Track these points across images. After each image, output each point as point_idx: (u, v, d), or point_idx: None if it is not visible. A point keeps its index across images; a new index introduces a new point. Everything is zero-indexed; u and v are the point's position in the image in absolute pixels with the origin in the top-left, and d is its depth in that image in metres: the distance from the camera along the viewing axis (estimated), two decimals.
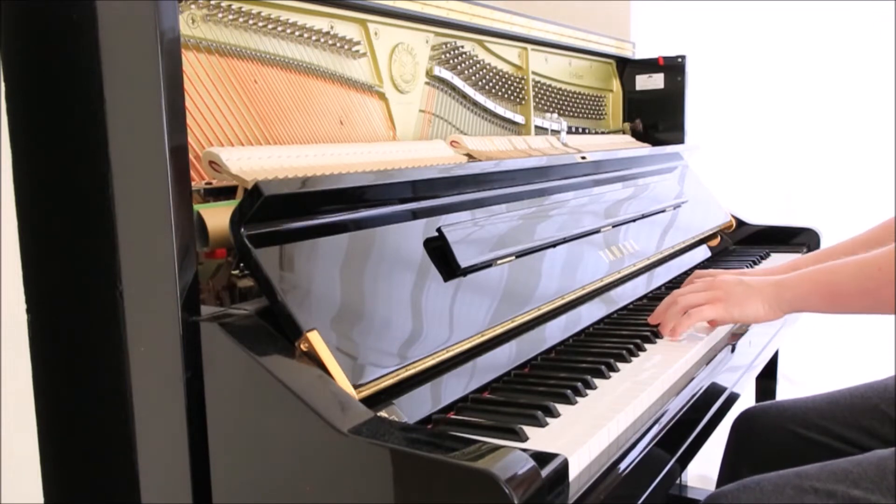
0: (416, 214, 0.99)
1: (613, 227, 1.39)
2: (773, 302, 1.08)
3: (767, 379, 1.91)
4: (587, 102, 1.88)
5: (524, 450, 0.63)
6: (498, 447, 0.63)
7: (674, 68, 1.93)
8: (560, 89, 1.77)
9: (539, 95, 1.69)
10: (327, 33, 1.15)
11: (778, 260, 1.74)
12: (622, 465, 0.79)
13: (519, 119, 1.62)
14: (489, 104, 1.52)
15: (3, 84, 0.82)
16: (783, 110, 2.49)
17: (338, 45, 1.17)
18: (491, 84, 1.53)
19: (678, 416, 0.92)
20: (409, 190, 0.99)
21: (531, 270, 1.12)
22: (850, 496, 0.95)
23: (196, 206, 0.78)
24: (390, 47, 1.26)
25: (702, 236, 1.74)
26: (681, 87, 1.93)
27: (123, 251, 0.77)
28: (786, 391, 1.89)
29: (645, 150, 1.79)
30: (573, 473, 0.73)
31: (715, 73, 2.40)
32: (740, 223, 1.93)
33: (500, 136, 1.46)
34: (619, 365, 1.01)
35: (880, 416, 1.24)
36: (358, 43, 1.20)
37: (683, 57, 1.92)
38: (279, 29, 1.07)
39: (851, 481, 0.96)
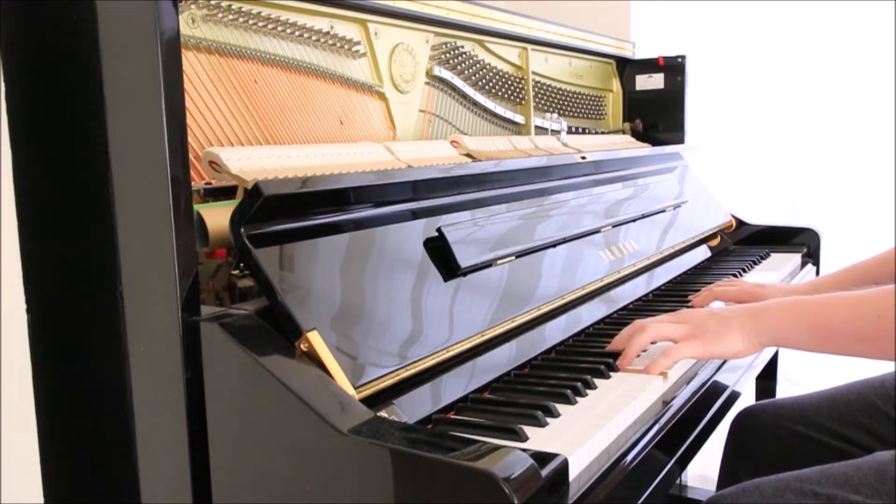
0: (416, 214, 0.99)
1: (613, 227, 1.39)
2: (753, 335, 1.00)
3: (767, 378, 1.90)
4: (587, 102, 1.88)
5: (524, 450, 0.63)
6: (498, 447, 0.63)
7: (674, 68, 1.93)
8: (560, 89, 1.77)
9: (539, 95, 1.69)
10: (327, 33, 1.15)
11: (780, 260, 1.74)
12: (622, 465, 0.79)
13: (519, 119, 1.62)
14: (489, 104, 1.52)
15: (3, 84, 0.82)
16: (783, 110, 2.49)
17: (338, 45, 1.17)
18: (491, 84, 1.53)
19: (678, 415, 0.92)
20: (409, 190, 0.99)
21: (531, 270, 1.12)
22: (850, 501, 0.95)
23: (196, 206, 0.78)
24: (390, 47, 1.26)
25: (702, 236, 1.74)
26: (681, 87, 1.93)
27: (123, 251, 0.77)
28: (785, 391, 1.88)
29: (645, 150, 1.79)
30: (573, 473, 0.73)
31: (715, 73, 2.40)
32: (740, 223, 1.93)
33: (500, 136, 1.46)
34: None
35: (878, 415, 1.24)
36: (358, 43, 1.20)
37: (683, 57, 1.92)
38: (279, 29, 1.07)
39: (851, 486, 0.96)
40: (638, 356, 1.02)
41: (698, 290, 1.35)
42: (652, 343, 1.05)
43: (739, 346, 1.00)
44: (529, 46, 1.63)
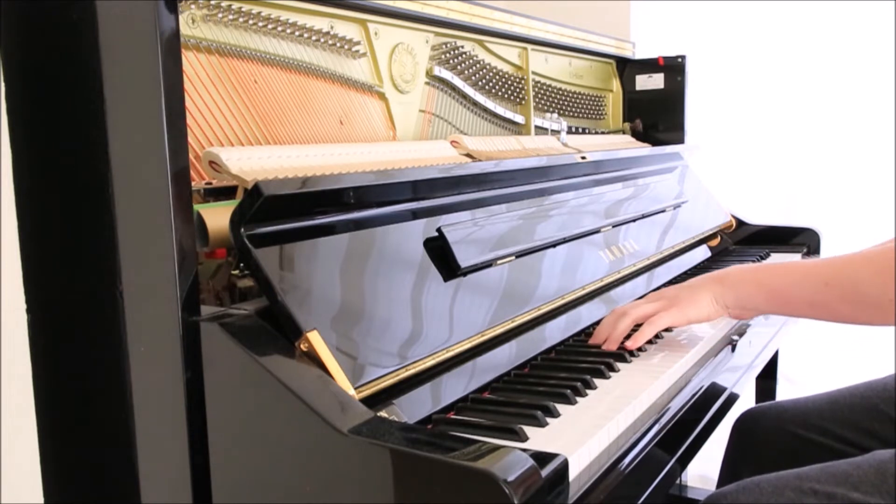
0: (416, 214, 0.99)
1: (613, 227, 1.39)
2: (720, 299, 1.07)
3: (767, 379, 1.90)
4: (587, 102, 1.88)
5: (524, 450, 0.63)
6: (498, 447, 0.63)
7: (674, 68, 1.93)
8: (560, 89, 1.77)
9: (539, 95, 1.69)
10: (327, 33, 1.15)
11: (780, 260, 1.74)
12: (622, 465, 0.79)
13: (519, 119, 1.62)
14: (489, 104, 1.52)
15: (3, 84, 0.82)
16: (783, 110, 2.49)
17: (338, 45, 1.17)
18: (491, 84, 1.53)
19: (678, 416, 0.92)
20: (409, 190, 0.99)
21: (531, 270, 1.12)
22: (850, 499, 0.95)
23: (196, 206, 0.78)
24: (390, 47, 1.26)
25: (702, 236, 1.74)
26: (681, 87, 1.93)
27: (123, 251, 0.77)
28: (786, 391, 1.89)
29: (645, 150, 1.79)
30: (573, 473, 0.73)
31: (715, 73, 2.40)
32: (740, 223, 1.93)
33: (500, 136, 1.46)
34: (619, 365, 1.01)
35: (880, 417, 1.24)
36: (358, 43, 1.20)
37: (683, 57, 1.92)
38: (279, 29, 1.07)
39: (851, 484, 0.96)
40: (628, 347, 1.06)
41: None
42: (636, 326, 1.08)
43: (710, 308, 1.08)
44: (529, 46, 1.63)
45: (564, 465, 0.66)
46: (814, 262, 1.02)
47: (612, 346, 1.06)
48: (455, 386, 0.90)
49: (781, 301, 1.04)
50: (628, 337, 1.07)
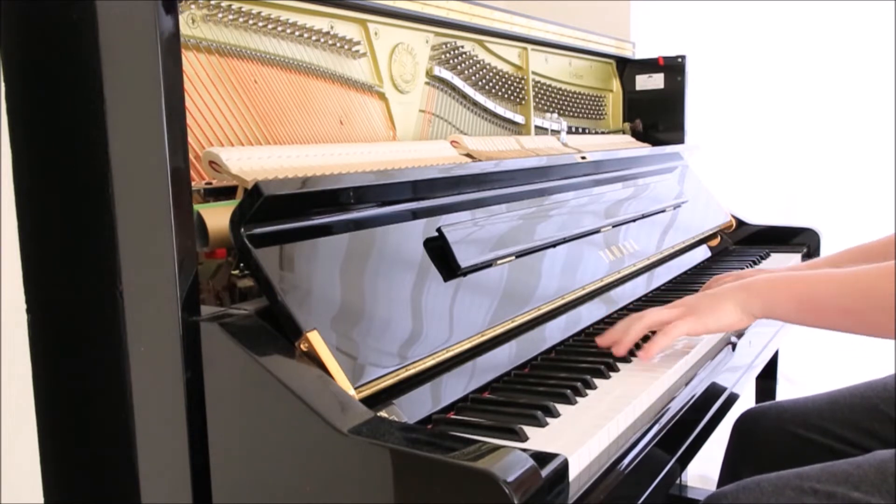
0: (416, 214, 0.99)
1: (613, 227, 1.39)
2: (745, 307, 1.03)
3: (767, 379, 1.91)
4: (587, 102, 1.88)
5: (524, 450, 0.63)
6: (498, 447, 0.63)
7: (674, 68, 1.93)
8: (560, 89, 1.77)
9: (539, 95, 1.69)
10: (327, 33, 1.15)
11: (780, 260, 1.74)
12: (622, 465, 0.79)
13: (519, 119, 1.62)
14: (489, 104, 1.52)
15: (3, 84, 0.82)
16: (784, 110, 2.49)
17: (338, 45, 1.17)
18: (491, 84, 1.53)
19: (678, 416, 0.92)
20: (409, 190, 0.99)
21: (531, 270, 1.12)
22: (850, 498, 0.95)
23: (196, 206, 0.78)
24: (390, 47, 1.26)
25: (702, 236, 1.74)
26: (681, 87, 1.93)
27: (123, 251, 0.77)
28: (786, 391, 1.89)
29: (645, 150, 1.79)
30: (573, 473, 0.73)
31: (715, 73, 2.40)
32: (740, 223, 1.93)
33: (500, 136, 1.46)
34: (620, 365, 1.01)
35: (880, 417, 1.24)
36: (358, 43, 1.20)
37: (683, 57, 1.92)
38: (279, 29, 1.07)
39: (851, 483, 0.96)
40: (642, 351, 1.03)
41: (698, 291, 1.35)
42: (651, 332, 1.05)
43: (733, 317, 1.03)
44: (529, 46, 1.63)
45: (564, 465, 0.66)
46: (846, 272, 0.97)
47: (621, 350, 1.03)
48: (455, 386, 0.90)
49: (814, 309, 0.99)
50: (639, 345, 1.04)
